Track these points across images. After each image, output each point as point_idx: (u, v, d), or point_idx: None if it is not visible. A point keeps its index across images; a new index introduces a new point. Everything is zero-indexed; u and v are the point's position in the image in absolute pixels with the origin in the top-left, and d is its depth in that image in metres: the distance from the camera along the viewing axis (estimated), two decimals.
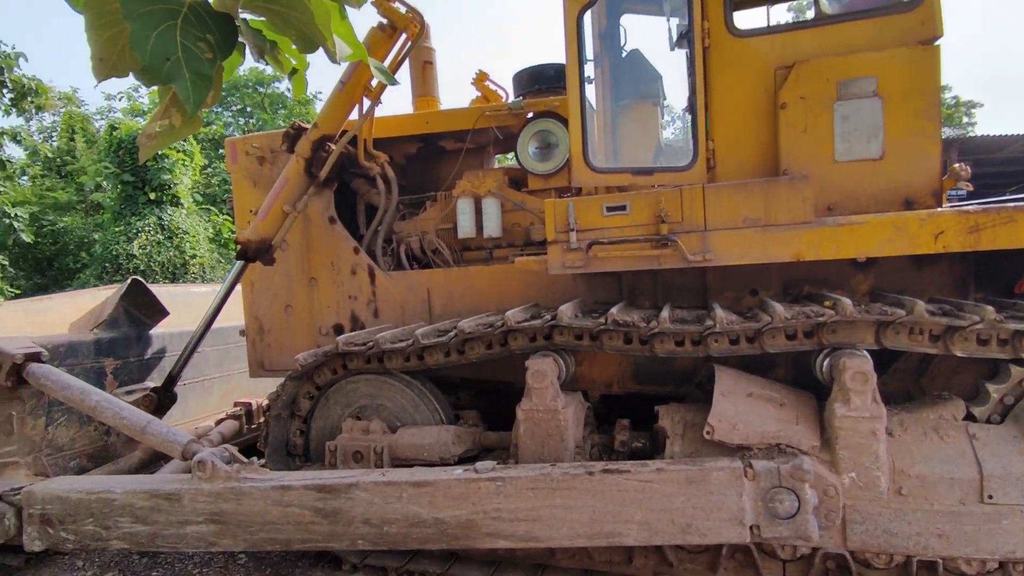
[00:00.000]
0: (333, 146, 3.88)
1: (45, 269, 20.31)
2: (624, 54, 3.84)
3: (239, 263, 4.03)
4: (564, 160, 3.93)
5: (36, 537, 3.10)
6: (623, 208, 2.98)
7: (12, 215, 17.73)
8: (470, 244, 4.20)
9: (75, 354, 3.86)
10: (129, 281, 4.26)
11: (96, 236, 18.94)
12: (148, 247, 15.67)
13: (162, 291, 4.57)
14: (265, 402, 5.09)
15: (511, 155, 4.58)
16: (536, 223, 4.01)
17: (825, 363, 2.72)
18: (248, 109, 27.51)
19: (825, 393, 2.75)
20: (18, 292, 16.79)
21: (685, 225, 2.91)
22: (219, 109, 26.59)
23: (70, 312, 4.08)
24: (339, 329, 4.13)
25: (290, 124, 4.11)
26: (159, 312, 4.42)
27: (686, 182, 3.11)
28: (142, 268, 15.37)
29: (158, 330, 4.50)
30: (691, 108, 3.22)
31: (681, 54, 3.30)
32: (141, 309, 4.33)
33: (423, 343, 3.12)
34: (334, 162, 3.88)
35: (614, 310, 2.93)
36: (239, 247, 3.86)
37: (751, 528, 2.46)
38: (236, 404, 4.89)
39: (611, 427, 3.29)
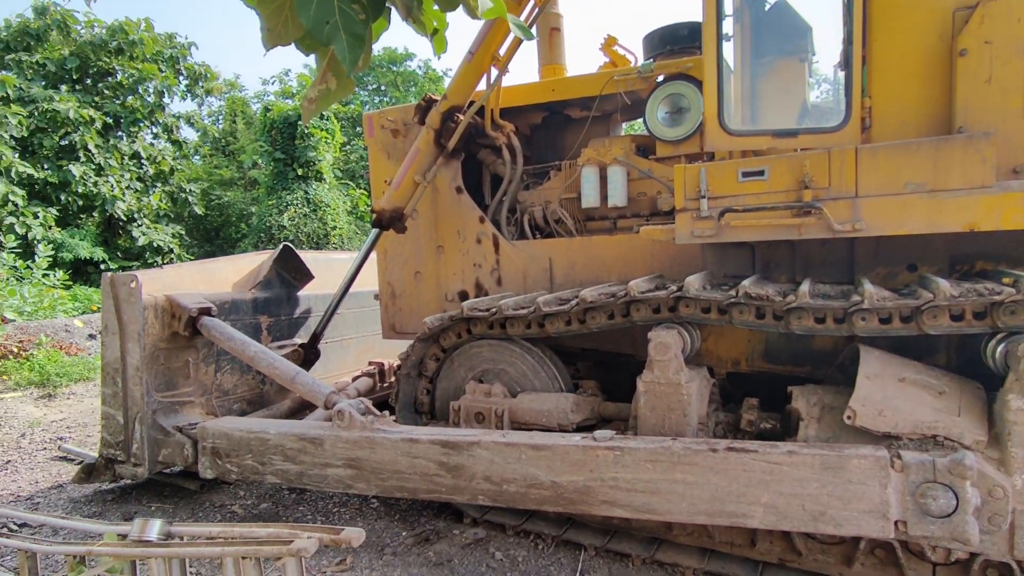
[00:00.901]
0: (461, 116, 3.98)
1: (213, 238, 23.05)
2: (768, 6, 3.53)
3: (374, 231, 4.30)
4: (696, 125, 3.73)
5: (208, 466, 3.57)
6: (761, 173, 2.77)
7: (188, 190, 20.26)
8: (594, 214, 4.14)
9: (237, 310, 4.35)
10: (281, 247, 4.70)
11: (253, 209, 21.12)
12: (296, 219, 17.20)
13: (308, 257, 4.99)
14: (396, 362, 5.46)
15: (639, 122, 4.43)
16: (663, 192, 3.86)
17: (999, 349, 2.38)
18: (383, 88, 29.01)
19: (996, 383, 2.41)
20: (192, 257, 19.21)
21: (832, 191, 2.65)
22: (356, 89, 28.28)
23: (233, 273, 4.60)
24: (464, 295, 4.28)
25: (422, 97, 4.27)
26: (306, 275, 4.84)
27: (836, 144, 2.82)
28: (291, 238, 16.93)
29: (305, 292, 4.94)
30: (845, 62, 2.90)
31: (836, 2, 2.97)
32: (291, 272, 4.77)
33: (544, 311, 3.14)
34: (462, 132, 3.98)
35: (746, 282, 2.76)
36: (374, 216, 4.11)
37: (896, 524, 2.24)
38: (371, 363, 5.27)
39: (738, 406, 3.14)
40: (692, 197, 2.92)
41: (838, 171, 2.63)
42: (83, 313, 11.40)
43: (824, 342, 3.17)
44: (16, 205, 14.87)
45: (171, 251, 18.24)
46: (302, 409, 4.69)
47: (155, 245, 17.89)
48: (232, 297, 4.34)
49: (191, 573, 3.05)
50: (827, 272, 3.22)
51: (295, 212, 17.34)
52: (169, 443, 3.73)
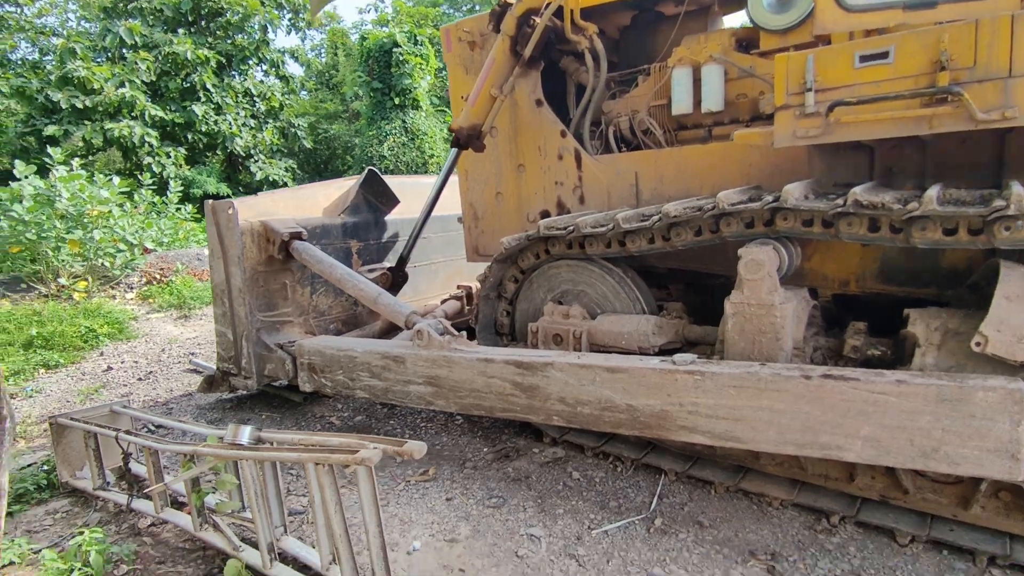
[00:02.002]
0: (538, 20, 3.68)
1: (322, 171, 24.17)
2: None
3: (453, 151, 4.20)
4: (808, 8, 3.19)
5: (306, 381, 3.81)
6: (884, 56, 2.32)
7: (296, 125, 21.18)
8: (686, 122, 3.76)
9: (327, 235, 4.50)
10: (366, 171, 4.75)
11: (356, 141, 21.78)
12: (395, 148, 17.52)
13: (394, 181, 5.02)
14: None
15: (743, 14, 3.89)
16: (767, 92, 3.40)
17: None
18: (477, 8, 28.13)
19: None
20: None
21: (977, 72, 2.17)
22: (450, 11, 27.67)
23: (323, 199, 4.74)
24: (545, 215, 4.13)
25: (497, 2, 4.00)
26: (392, 200, 4.89)
27: (988, 12, 2.29)
28: (391, 168, 17.34)
29: (392, 216, 5.01)
30: None
31: None
32: (377, 197, 4.84)
33: (624, 228, 2.94)
34: (539, 38, 3.70)
35: (858, 189, 2.38)
36: (452, 134, 4.00)
37: None
38: (459, 287, 5.33)
39: (842, 331, 2.82)
40: (796, 91, 2.52)
41: (987, 45, 2.13)
42: None
43: (954, 259, 2.72)
44: (151, 146, 16.32)
45: (285, 184, 19.38)
46: (393, 330, 4.86)
47: (271, 179, 19.07)
48: (322, 222, 4.48)
49: (290, 475, 3.32)
50: (966, 178, 2.72)
51: (394, 142, 17.65)
52: (272, 359, 4.01)
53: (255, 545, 2.53)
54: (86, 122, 15.50)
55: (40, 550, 2.62)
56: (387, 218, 4.98)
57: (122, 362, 5.94)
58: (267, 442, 2.46)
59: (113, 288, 8.71)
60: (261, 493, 2.39)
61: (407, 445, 1.96)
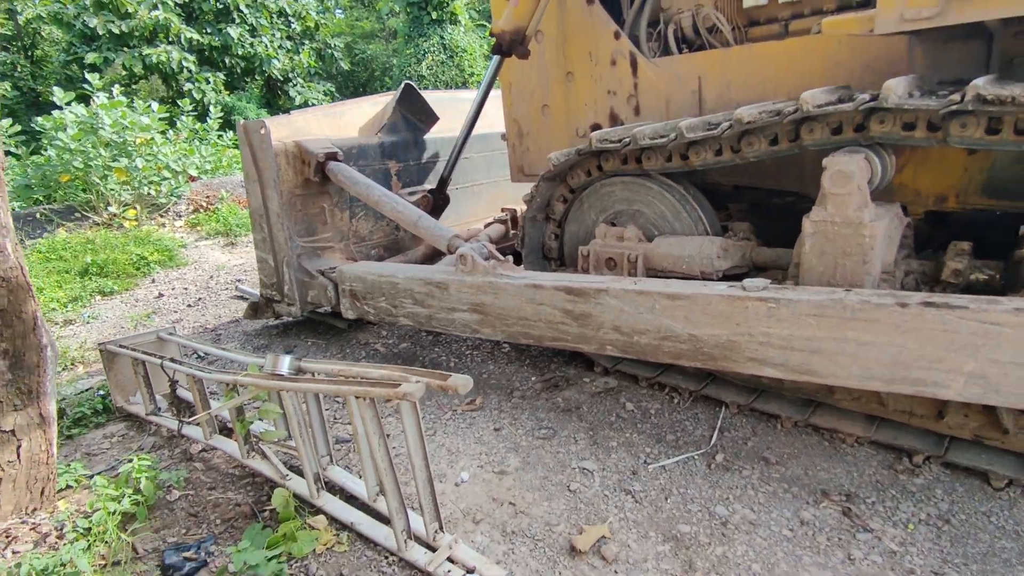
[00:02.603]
0: None
1: (360, 94, 23.65)
2: None
3: (495, 59, 3.85)
4: None
5: (348, 307, 3.72)
6: None
7: (333, 46, 20.58)
8: (758, 16, 3.29)
9: (364, 156, 4.28)
10: (402, 86, 4.45)
11: (394, 61, 21.06)
12: (434, 67, 16.86)
13: (432, 97, 4.71)
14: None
15: None
16: None
17: None
18: None
19: None
20: None
21: None
22: None
23: (359, 117, 4.49)
24: (596, 129, 3.78)
25: None
26: (431, 117, 4.60)
27: None
28: (430, 87, 16.75)
29: (432, 135, 4.73)
30: None
31: None
32: (415, 114, 4.55)
33: (689, 137, 2.61)
34: None
35: (979, 81, 1.99)
36: (493, 40, 3.63)
37: None
38: (503, 209, 5.09)
39: (937, 252, 2.49)
40: None
41: None
42: None
43: None
44: (190, 71, 16.15)
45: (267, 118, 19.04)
46: (437, 255, 4.70)
47: (311, 103, 18.78)
48: (359, 142, 4.25)
49: (336, 403, 3.28)
50: None
51: (432, 60, 16.96)
52: (314, 285, 3.92)
53: (303, 473, 2.50)
54: (125, 49, 15.39)
55: (94, 475, 2.66)
56: (426, 137, 4.71)
57: (172, 289, 6.03)
58: (308, 372, 2.37)
59: (162, 216, 8.82)
60: (304, 423, 2.33)
61: (451, 379, 1.81)
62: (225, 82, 17.24)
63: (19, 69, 18.96)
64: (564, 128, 3.98)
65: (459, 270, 3.06)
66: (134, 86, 16.35)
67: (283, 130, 3.90)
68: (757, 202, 3.35)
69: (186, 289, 6.00)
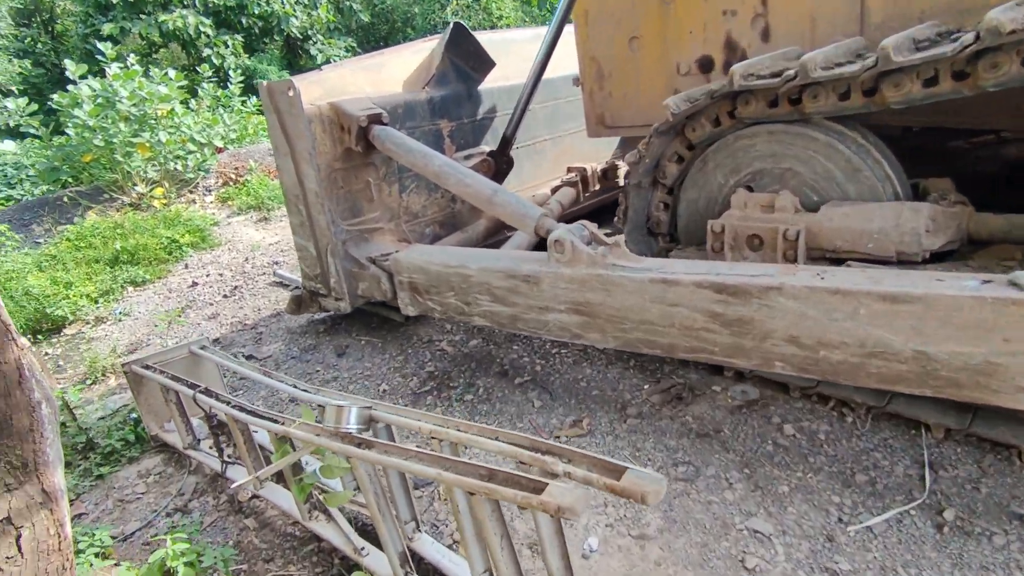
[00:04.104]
0: None
1: (382, 47, 22.57)
2: None
3: None
4: None
5: (408, 303, 3.09)
6: None
7: None
8: None
9: (412, 115, 3.56)
10: (451, 26, 3.66)
11: (416, 9, 19.85)
12: (459, 12, 15.72)
13: (482, 38, 3.91)
14: (600, 166, 4.46)
15: None
16: None
17: None
18: None
19: None
20: None
21: None
22: None
23: (400, 69, 3.75)
24: (706, 63, 2.96)
25: None
26: (486, 63, 3.83)
27: None
28: None
29: (486, 85, 3.97)
30: None
31: None
32: (467, 60, 3.78)
33: (898, 61, 1.82)
34: None
35: None
36: None
37: None
38: (569, 169, 4.34)
39: None
40: None
41: None
42: None
43: None
44: (208, 36, 15.41)
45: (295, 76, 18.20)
46: (501, 229, 4.02)
47: (332, 61, 17.90)
48: (405, 99, 3.53)
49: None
50: None
51: (458, 4, 15.81)
52: (365, 276, 3.29)
53: (382, 544, 1.92)
54: (141, 17, 14.71)
55: (128, 536, 2.14)
56: (481, 87, 3.94)
57: (207, 275, 5.51)
58: (379, 422, 1.75)
59: (191, 192, 8.30)
60: (383, 493, 1.72)
61: (630, 477, 1.14)
62: (244, 44, 16.45)
63: (40, 45, 18.50)
64: (659, 65, 3.16)
65: (555, 260, 2.37)
66: (155, 55, 15.74)
67: (315, 90, 3.20)
68: (942, 150, 2.54)
69: (221, 275, 5.47)
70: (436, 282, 2.86)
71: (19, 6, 17.73)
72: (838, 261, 2.18)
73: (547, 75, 4.13)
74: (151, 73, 8.23)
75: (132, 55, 8.71)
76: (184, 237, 6.46)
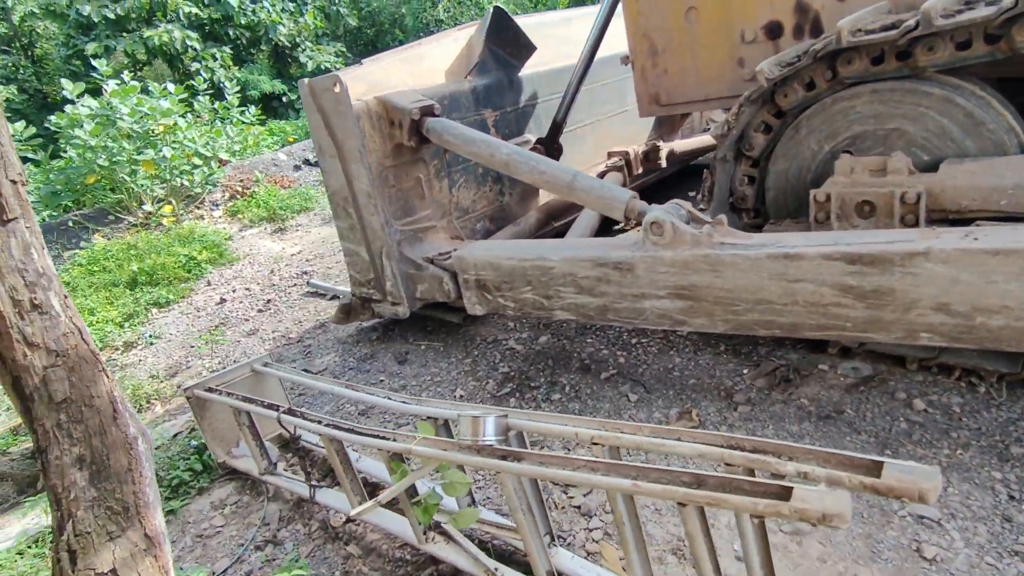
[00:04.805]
0: None
1: (370, 51, 22.30)
2: None
3: None
4: None
5: (476, 302, 2.94)
6: None
7: (338, 1, 19.21)
8: None
9: (457, 106, 3.40)
10: (491, 11, 3.49)
11: (404, 10, 19.60)
12: (451, 8, 15.52)
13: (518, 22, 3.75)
14: (641, 148, 4.31)
15: None
16: None
17: None
18: None
19: None
20: None
21: None
22: None
23: (441, 59, 3.58)
24: (774, 29, 2.81)
25: None
26: (527, 49, 3.66)
27: None
28: None
29: (525, 71, 3.81)
30: None
31: None
32: (508, 47, 3.62)
33: None
34: None
35: None
36: None
37: None
38: (611, 153, 4.19)
39: None
40: None
41: None
42: (283, 146, 11.67)
43: None
44: (195, 50, 15.15)
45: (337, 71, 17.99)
46: (551, 220, 3.87)
47: (323, 67, 17.65)
48: (449, 89, 3.36)
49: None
50: None
51: (448, 2, 15.59)
52: (424, 278, 3.14)
53: (508, 558, 1.78)
54: (124, 34, 14.44)
55: (220, 574, 1.99)
56: (521, 74, 3.78)
57: (233, 291, 5.34)
58: (514, 430, 1.61)
59: (199, 208, 8.10)
60: (530, 509, 1.57)
61: (897, 474, 0.99)
62: (232, 56, 16.20)
63: (22, 71, 18.18)
64: (719, 35, 3.01)
65: (651, 243, 2.22)
66: (139, 73, 15.46)
67: (358, 86, 3.03)
68: None
69: (248, 290, 5.30)
70: (509, 277, 2.70)
71: (0, 32, 17.41)
72: (962, 222, 2.04)
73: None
74: (150, 88, 8.02)
75: (126, 72, 8.50)
76: (201, 254, 6.28)
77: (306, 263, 5.76)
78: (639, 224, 2.28)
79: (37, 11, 15.07)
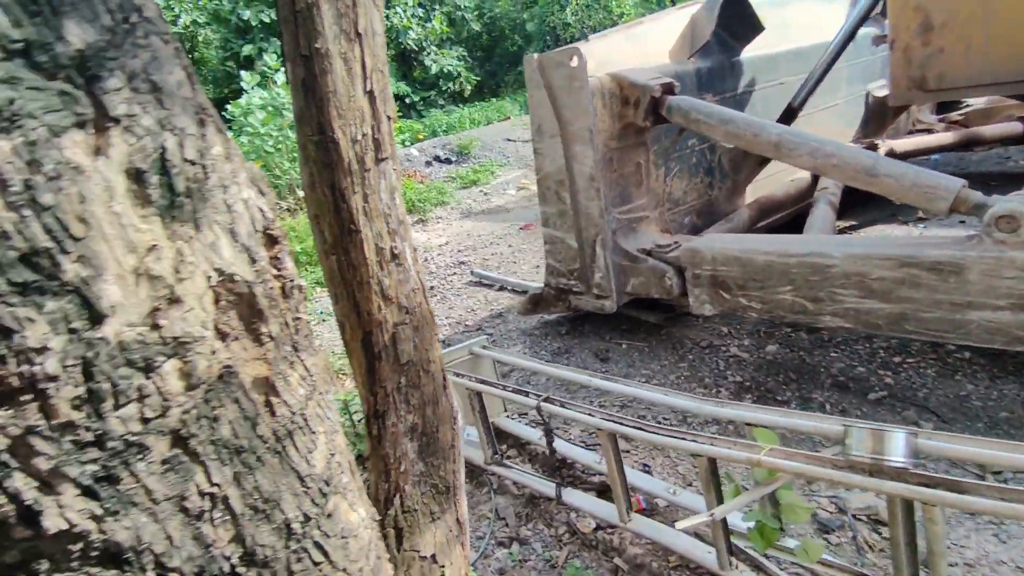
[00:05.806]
0: None
1: (488, 56, 22.59)
2: None
3: None
4: None
5: (706, 300, 2.64)
6: None
7: (462, 7, 19.65)
8: None
9: (682, 88, 3.13)
10: None
11: (525, 16, 19.71)
12: (578, 12, 15.38)
13: None
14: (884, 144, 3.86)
15: None
16: None
17: None
18: None
19: None
20: (479, 79, 19.17)
21: None
22: None
23: (663, 37, 3.33)
24: None
25: None
26: (754, 28, 3.34)
27: None
28: (577, 36, 15.31)
29: (744, 55, 3.48)
30: None
31: None
32: (737, 27, 3.31)
33: None
34: None
35: None
36: None
37: None
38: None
39: None
40: None
41: None
42: (413, 143, 11.98)
43: None
44: None
45: (459, 75, 18.33)
46: (763, 219, 3.52)
47: (445, 71, 18.07)
48: (674, 70, 3.10)
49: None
50: None
51: (576, 5, 15.46)
52: (639, 270, 2.88)
53: None
54: (275, 38, 15.42)
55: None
56: (741, 58, 3.46)
57: None
58: (923, 454, 1.29)
59: None
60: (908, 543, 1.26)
61: None
62: None
63: None
64: None
65: (993, 241, 1.83)
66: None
67: (588, 62, 2.84)
68: None
69: None
70: (762, 275, 2.39)
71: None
72: None
73: (799, 45, 3.66)
74: None
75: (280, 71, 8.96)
76: None
77: (458, 253, 5.70)
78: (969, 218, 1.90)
79: (200, 20, 16.42)
